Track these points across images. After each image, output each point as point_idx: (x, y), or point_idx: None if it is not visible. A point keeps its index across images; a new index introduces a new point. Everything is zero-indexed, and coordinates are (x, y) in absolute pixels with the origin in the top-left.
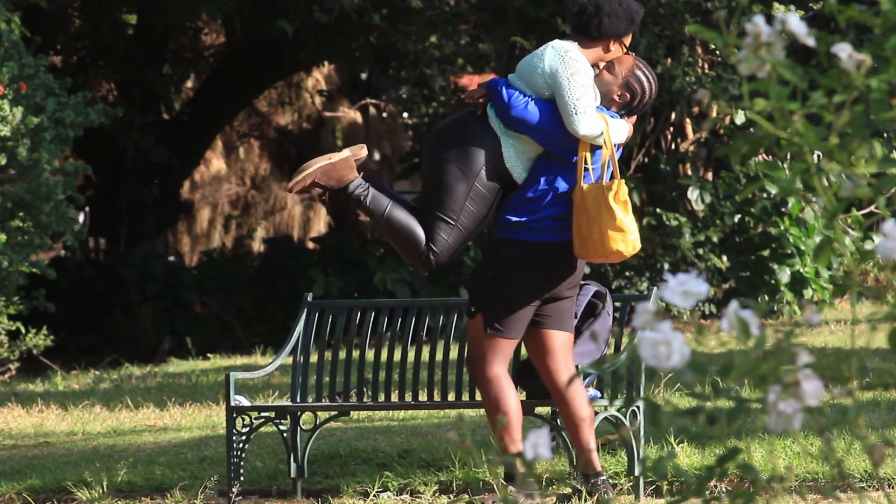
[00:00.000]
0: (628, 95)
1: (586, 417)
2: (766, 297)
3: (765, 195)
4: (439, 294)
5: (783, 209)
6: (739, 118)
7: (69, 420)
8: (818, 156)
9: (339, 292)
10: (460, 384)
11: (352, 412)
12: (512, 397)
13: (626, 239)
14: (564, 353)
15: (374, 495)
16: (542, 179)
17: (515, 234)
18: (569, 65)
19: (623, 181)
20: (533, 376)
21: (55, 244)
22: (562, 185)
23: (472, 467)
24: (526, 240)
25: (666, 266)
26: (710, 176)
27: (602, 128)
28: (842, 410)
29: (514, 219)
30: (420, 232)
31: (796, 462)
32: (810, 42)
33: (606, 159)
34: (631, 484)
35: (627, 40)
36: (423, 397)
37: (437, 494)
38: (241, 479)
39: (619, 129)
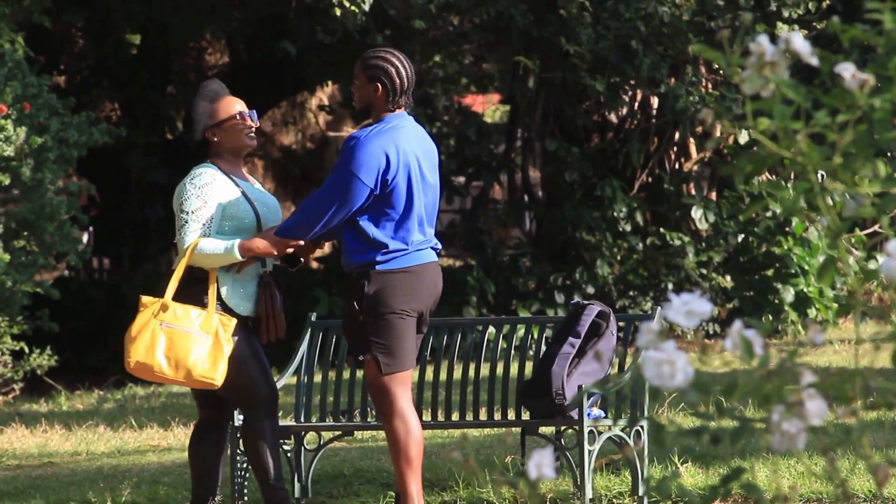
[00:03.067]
0: (379, 85)
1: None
2: (770, 317)
3: (768, 214)
4: (442, 313)
5: (787, 228)
6: (743, 137)
7: (73, 440)
8: (822, 175)
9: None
10: (464, 404)
11: (356, 432)
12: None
13: (129, 349)
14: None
15: None
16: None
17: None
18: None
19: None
20: (535, 396)
21: (59, 264)
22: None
23: (476, 487)
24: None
25: (669, 285)
26: (713, 195)
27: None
28: (846, 430)
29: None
30: None
31: (800, 482)
32: (814, 61)
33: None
34: (635, 503)
35: (224, 106)
36: (426, 417)
37: None
38: (245, 499)
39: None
